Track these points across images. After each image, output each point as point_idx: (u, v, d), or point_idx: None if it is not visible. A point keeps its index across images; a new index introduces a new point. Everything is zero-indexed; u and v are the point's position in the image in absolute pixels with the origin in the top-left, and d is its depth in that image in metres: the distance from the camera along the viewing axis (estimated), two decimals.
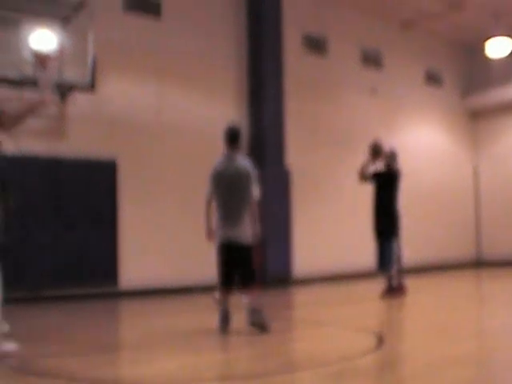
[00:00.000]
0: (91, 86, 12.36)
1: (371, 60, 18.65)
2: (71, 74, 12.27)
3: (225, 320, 8.05)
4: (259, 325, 7.79)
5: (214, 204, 8.08)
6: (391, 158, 12.11)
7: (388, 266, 11.66)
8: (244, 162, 8.01)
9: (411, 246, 18.61)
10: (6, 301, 6.70)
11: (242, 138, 8.15)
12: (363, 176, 11.97)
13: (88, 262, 12.42)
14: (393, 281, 11.80)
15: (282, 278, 14.87)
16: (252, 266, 7.83)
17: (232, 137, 8.04)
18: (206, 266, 10.85)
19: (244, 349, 7.27)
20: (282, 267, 14.92)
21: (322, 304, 11.83)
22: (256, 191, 7.78)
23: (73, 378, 5.84)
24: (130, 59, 13.74)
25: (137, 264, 13.31)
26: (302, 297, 13.77)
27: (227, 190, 7.84)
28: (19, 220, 11.95)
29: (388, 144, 12.43)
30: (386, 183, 11.96)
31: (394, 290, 11.75)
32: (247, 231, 7.74)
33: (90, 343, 7.76)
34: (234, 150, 8.04)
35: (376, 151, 11.82)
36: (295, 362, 6.58)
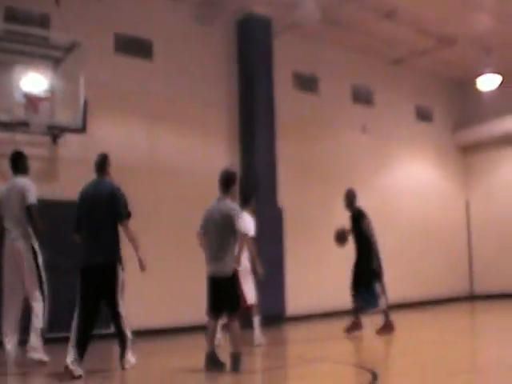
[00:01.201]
0: (82, 128, 12.36)
1: (362, 97, 18.82)
2: (62, 116, 12.30)
3: (210, 359, 8.12)
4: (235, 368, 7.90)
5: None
6: (349, 198, 12.24)
7: (371, 305, 11.72)
8: (229, 204, 8.30)
9: (404, 282, 18.67)
10: None
11: (235, 183, 8.49)
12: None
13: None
14: (387, 316, 11.79)
15: (275, 316, 14.80)
16: (235, 295, 8.19)
17: (223, 181, 8.45)
18: (202, 305, 10.85)
19: None
20: (275, 305, 14.85)
21: (316, 341, 11.82)
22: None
23: None
24: (121, 101, 13.79)
25: (131, 306, 13.20)
26: (295, 334, 13.72)
27: (212, 229, 8.24)
28: None
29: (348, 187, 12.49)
30: (354, 225, 12.11)
31: (387, 326, 11.75)
32: (228, 265, 8.05)
33: None
34: (226, 193, 8.41)
35: (340, 237, 11.79)
36: None
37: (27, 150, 12.31)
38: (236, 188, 8.55)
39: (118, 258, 8.32)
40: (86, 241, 8.31)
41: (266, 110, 15.64)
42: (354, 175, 18.07)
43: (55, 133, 12.50)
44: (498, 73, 18.12)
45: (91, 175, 12.90)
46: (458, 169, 21.50)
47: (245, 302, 8.10)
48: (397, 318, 15.62)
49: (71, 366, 7.61)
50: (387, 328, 11.69)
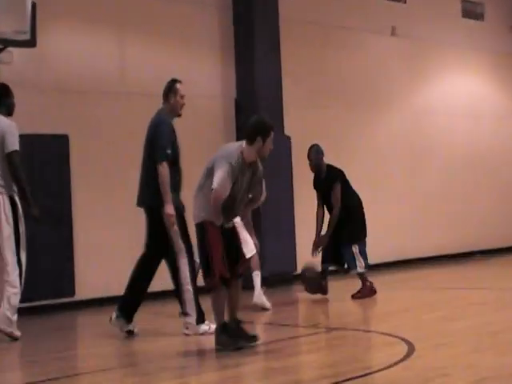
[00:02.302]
0: (31, 40, 12.17)
1: None
2: (4, 25, 12.12)
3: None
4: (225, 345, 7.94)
5: None
6: (316, 158, 12.38)
7: (353, 267, 12.15)
8: (226, 150, 8.26)
9: (447, 227, 18.68)
10: None
11: (263, 136, 8.23)
12: None
13: (37, 261, 12.34)
14: (365, 279, 12.19)
15: (283, 273, 14.93)
16: (203, 252, 8.08)
17: (247, 128, 8.37)
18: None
19: (252, 363, 7.38)
20: (283, 259, 14.92)
21: (334, 303, 12.00)
22: (215, 180, 7.88)
23: None
24: (81, 4, 13.64)
25: (95, 266, 13.29)
26: (307, 295, 13.70)
27: (204, 169, 8.23)
28: None
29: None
30: (328, 186, 12.31)
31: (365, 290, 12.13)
32: (197, 211, 8.11)
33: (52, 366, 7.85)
34: (246, 140, 8.26)
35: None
36: (309, 378, 6.67)
37: None
38: (260, 143, 8.25)
39: (160, 201, 9.16)
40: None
41: (268, 9, 15.50)
42: (380, 93, 17.99)
43: None
44: None
45: (44, 101, 12.96)
46: None
47: (220, 267, 7.90)
48: (436, 272, 15.82)
49: None
50: (365, 292, 12.03)
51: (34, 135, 12.59)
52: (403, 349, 7.24)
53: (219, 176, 7.80)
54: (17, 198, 9.49)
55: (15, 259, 9.39)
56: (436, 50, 19.37)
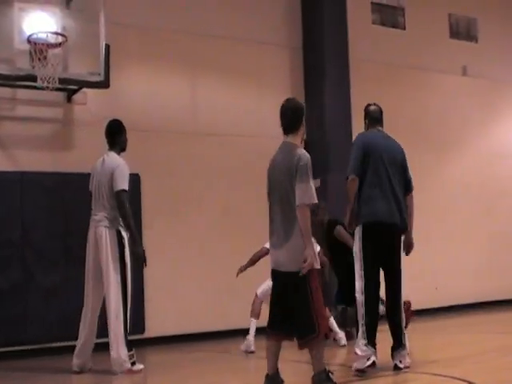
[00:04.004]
0: (105, 81, 12.29)
1: (462, 31, 18.45)
2: (78, 66, 12.25)
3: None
4: None
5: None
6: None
7: None
8: (294, 148, 7.07)
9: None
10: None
11: (301, 118, 7.19)
12: None
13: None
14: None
15: None
16: (305, 306, 6.65)
17: (287, 112, 7.14)
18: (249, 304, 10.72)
19: None
20: None
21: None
22: (305, 192, 6.68)
23: None
24: (153, 45, 13.72)
25: (164, 303, 13.14)
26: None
27: (271, 192, 7.20)
28: (19, 257, 11.93)
29: None
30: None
31: None
32: (293, 254, 6.67)
33: None
34: (289, 132, 7.15)
35: None
36: None
37: (34, 111, 12.43)
38: (303, 128, 7.19)
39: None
40: None
41: (338, 50, 15.42)
42: (450, 134, 17.78)
43: (70, 88, 12.41)
44: None
45: None
46: None
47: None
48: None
49: None
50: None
51: None
52: None
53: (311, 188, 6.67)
54: (124, 233, 9.46)
55: (120, 294, 9.29)
56: (509, 90, 19.07)
